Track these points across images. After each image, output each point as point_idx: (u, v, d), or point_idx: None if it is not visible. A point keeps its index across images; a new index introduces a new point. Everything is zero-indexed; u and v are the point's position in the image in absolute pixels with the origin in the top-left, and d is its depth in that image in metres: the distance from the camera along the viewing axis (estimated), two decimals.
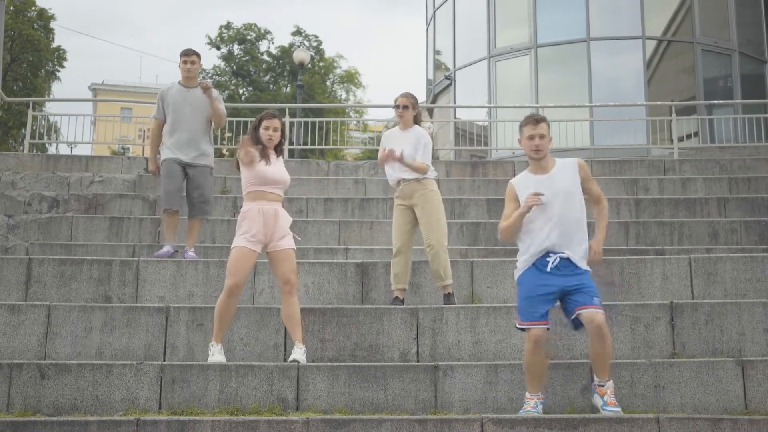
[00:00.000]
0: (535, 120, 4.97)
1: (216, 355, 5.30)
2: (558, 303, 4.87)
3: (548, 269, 4.76)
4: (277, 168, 5.65)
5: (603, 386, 4.74)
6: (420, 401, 5.06)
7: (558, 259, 4.76)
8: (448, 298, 6.31)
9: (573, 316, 4.74)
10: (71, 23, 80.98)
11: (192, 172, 7.45)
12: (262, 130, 5.66)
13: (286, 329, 5.69)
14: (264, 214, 5.47)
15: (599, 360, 4.72)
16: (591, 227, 4.97)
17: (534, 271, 4.82)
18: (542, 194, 4.73)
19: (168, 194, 7.45)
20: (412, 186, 6.45)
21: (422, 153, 6.48)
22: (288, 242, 5.53)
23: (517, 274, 4.96)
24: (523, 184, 4.96)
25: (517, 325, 4.88)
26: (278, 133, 5.70)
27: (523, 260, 4.90)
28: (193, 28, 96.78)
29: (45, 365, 5.05)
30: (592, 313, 4.62)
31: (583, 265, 4.82)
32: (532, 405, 4.74)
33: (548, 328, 4.80)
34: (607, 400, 4.68)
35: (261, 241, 5.48)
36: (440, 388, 5.10)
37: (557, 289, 4.76)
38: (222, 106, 7.62)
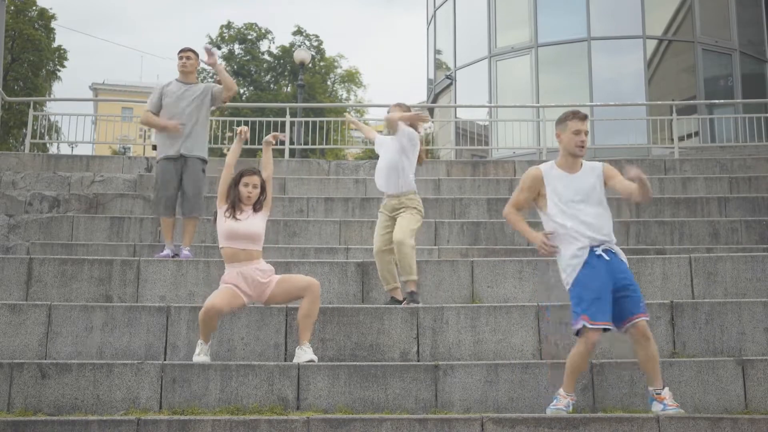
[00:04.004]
0: (583, 115, 4.94)
1: (201, 355, 5.32)
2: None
3: (599, 259, 4.69)
4: (249, 222, 5.59)
5: (660, 393, 4.65)
6: (420, 401, 5.07)
7: (601, 250, 4.71)
8: (411, 295, 6.23)
9: (623, 328, 4.68)
10: (69, 21, 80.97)
11: (185, 167, 7.43)
12: (241, 187, 5.63)
13: (286, 329, 5.71)
14: (244, 276, 5.45)
15: (650, 364, 4.66)
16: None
17: (588, 270, 4.68)
18: (556, 248, 4.76)
19: (161, 201, 7.47)
20: (393, 201, 6.46)
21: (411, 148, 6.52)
22: (274, 279, 5.53)
23: (570, 279, 4.75)
24: (551, 177, 4.91)
25: (587, 326, 4.56)
26: (257, 190, 5.66)
27: (570, 265, 4.75)
28: (193, 27, 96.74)
29: (46, 365, 5.05)
30: (641, 322, 4.61)
31: (623, 257, 4.82)
32: (564, 404, 4.66)
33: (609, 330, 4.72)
34: (667, 404, 4.59)
35: (247, 294, 5.46)
36: (441, 387, 5.10)
37: (612, 285, 4.66)
38: (227, 75, 7.69)
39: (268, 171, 5.92)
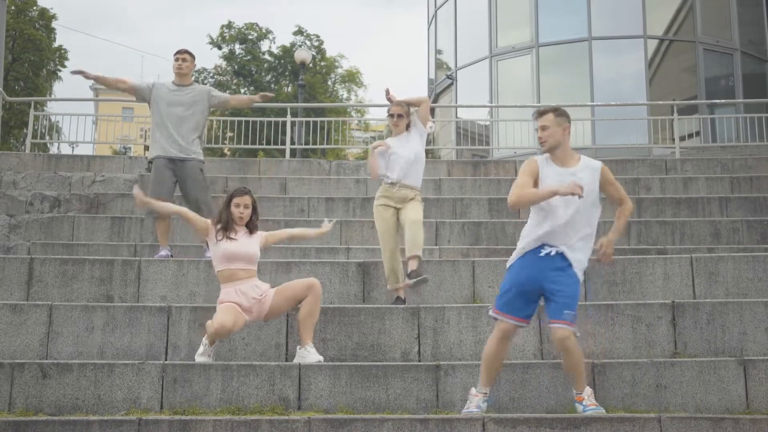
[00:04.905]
0: (538, 113, 4.91)
1: (204, 355, 5.32)
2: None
3: (540, 255, 4.68)
4: (243, 244, 5.53)
5: (581, 394, 4.70)
6: (422, 401, 5.07)
7: (553, 252, 4.69)
8: (417, 273, 6.17)
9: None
10: (69, 21, 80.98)
11: (182, 170, 7.37)
12: (233, 208, 5.58)
13: (287, 329, 5.70)
14: (243, 293, 5.40)
15: (570, 372, 4.72)
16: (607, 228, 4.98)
17: (523, 262, 4.74)
18: (581, 191, 4.55)
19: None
20: (407, 192, 6.48)
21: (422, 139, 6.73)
22: (271, 293, 5.48)
23: (509, 263, 4.90)
24: (546, 169, 4.83)
25: (490, 313, 4.79)
26: (249, 210, 5.60)
27: (519, 248, 4.82)
28: (193, 27, 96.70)
29: (47, 365, 5.05)
30: (556, 329, 4.59)
31: (576, 264, 4.70)
32: (475, 404, 4.69)
33: (520, 326, 4.76)
34: (586, 404, 4.63)
35: (248, 311, 5.40)
36: (442, 387, 5.10)
37: (539, 288, 4.68)
38: (230, 98, 7.91)
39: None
